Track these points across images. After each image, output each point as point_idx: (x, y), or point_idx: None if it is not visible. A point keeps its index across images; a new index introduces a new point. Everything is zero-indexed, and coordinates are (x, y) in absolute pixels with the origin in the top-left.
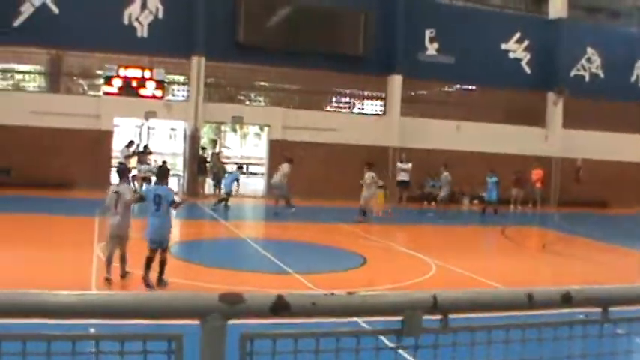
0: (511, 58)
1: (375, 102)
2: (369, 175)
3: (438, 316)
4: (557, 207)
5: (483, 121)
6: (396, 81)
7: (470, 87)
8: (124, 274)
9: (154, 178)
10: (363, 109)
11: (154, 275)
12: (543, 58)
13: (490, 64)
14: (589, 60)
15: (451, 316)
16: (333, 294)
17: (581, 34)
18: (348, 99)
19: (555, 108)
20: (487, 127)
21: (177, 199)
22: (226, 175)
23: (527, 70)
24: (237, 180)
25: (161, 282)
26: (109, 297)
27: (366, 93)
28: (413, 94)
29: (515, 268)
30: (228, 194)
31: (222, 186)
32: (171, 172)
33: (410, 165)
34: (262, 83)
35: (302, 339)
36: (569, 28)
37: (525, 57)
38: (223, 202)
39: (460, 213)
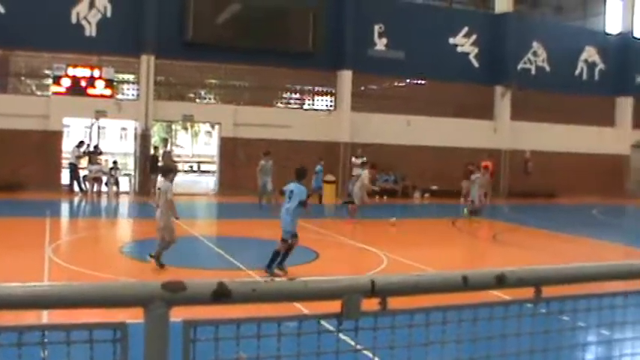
0: (459, 53)
1: (325, 98)
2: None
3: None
4: (507, 198)
5: (433, 115)
6: (345, 76)
7: (420, 81)
8: (154, 255)
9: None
10: (313, 104)
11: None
12: (491, 52)
13: (439, 59)
14: (535, 53)
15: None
16: (273, 280)
17: (527, 28)
18: (298, 95)
19: (503, 101)
20: (437, 120)
21: (305, 200)
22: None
23: (476, 63)
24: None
25: (282, 267)
26: (54, 288)
27: (316, 89)
28: (363, 89)
29: (464, 258)
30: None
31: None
32: (121, 172)
33: (364, 159)
34: (212, 81)
35: (244, 324)
36: (515, 22)
37: (473, 51)
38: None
39: (412, 207)
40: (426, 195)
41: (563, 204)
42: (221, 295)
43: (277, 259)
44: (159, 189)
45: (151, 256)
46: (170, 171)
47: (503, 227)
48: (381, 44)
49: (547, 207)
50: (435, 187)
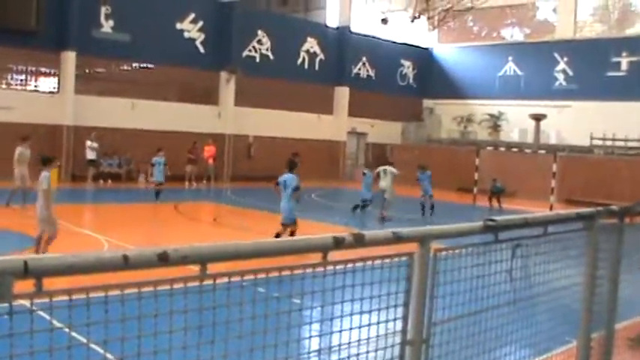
0: (186, 38)
1: (49, 79)
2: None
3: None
4: (231, 182)
5: (159, 99)
6: (69, 58)
7: (146, 65)
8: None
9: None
10: (37, 86)
11: None
12: (217, 39)
13: (166, 43)
14: (260, 42)
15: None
16: None
17: (252, 17)
18: (22, 76)
19: (228, 87)
20: (162, 105)
21: (298, 185)
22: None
23: (202, 49)
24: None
25: None
26: None
27: (41, 70)
28: (88, 71)
29: (183, 240)
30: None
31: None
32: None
33: (97, 144)
34: None
35: None
36: (241, 11)
37: (200, 37)
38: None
39: (137, 191)
40: (151, 179)
41: None
42: None
43: None
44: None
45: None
46: (51, 161)
47: (225, 210)
48: (107, 26)
49: (269, 190)
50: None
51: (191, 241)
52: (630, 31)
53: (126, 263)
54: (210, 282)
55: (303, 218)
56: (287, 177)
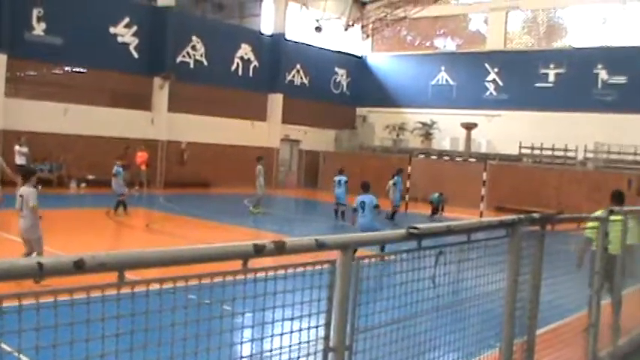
0: (119, 42)
1: None
2: None
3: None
4: (163, 188)
5: (92, 104)
6: None
7: (79, 69)
8: None
9: None
10: None
11: None
12: (151, 44)
13: (99, 48)
14: (194, 48)
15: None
16: None
17: (187, 22)
18: None
19: (161, 92)
20: (95, 110)
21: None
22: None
23: (136, 54)
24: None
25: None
26: None
27: None
28: (19, 74)
29: (113, 247)
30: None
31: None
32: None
33: (26, 149)
34: None
35: None
36: (176, 16)
37: (133, 42)
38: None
39: (68, 196)
40: (83, 185)
41: (217, 193)
42: None
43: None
44: (20, 196)
45: None
46: (33, 173)
47: (157, 216)
48: (39, 29)
49: (202, 196)
50: (91, 177)
51: (122, 248)
52: (557, 44)
53: (41, 270)
54: (129, 290)
55: (235, 225)
56: (364, 198)
